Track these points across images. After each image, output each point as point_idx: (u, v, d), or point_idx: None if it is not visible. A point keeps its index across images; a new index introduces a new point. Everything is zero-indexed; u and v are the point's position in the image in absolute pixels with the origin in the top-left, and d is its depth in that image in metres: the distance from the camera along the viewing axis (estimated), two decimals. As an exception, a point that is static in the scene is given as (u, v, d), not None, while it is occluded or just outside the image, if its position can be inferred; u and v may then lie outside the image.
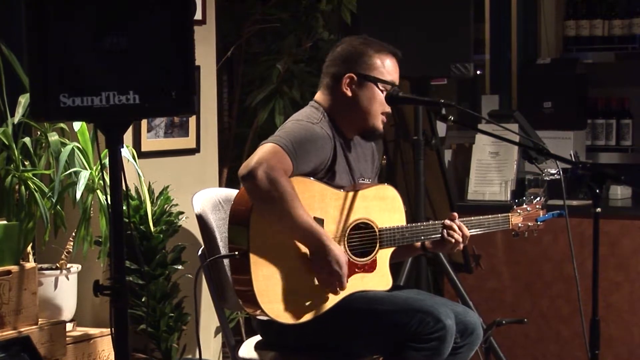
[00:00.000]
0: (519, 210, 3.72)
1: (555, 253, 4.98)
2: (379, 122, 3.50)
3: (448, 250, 3.59)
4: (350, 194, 3.42)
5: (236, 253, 3.28)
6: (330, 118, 3.47)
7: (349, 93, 3.48)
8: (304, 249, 3.32)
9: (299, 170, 3.30)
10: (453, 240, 3.53)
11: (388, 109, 3.51)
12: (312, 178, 3.36)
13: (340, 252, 3.30)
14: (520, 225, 3.72)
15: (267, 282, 3.26)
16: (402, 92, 3.69)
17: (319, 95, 3.54)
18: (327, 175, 3.41)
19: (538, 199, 3.78)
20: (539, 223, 3.76)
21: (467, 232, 3.56)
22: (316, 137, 3.36)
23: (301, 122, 3.40)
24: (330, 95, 3.51)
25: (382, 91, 3.48)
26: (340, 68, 3.50)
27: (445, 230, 3.53)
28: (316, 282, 3.33)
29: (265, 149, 3.25)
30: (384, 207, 3.49)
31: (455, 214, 3.58)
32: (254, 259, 3.24)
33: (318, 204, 3.33)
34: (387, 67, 3.51)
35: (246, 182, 3.23)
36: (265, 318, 3.33)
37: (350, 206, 3.40)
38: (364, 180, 3.55)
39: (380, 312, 3.33)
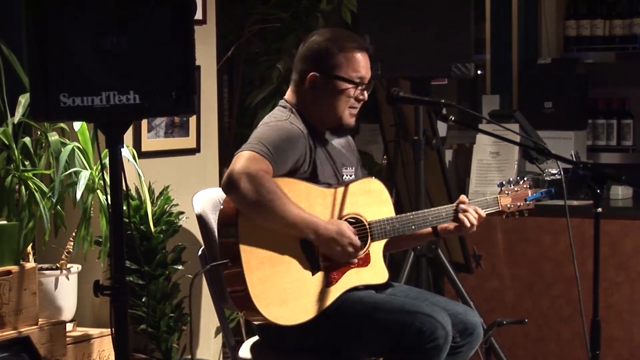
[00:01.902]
0: (506, 191, 3.73)
1: (556, 253, 4.98)
2: (345, 117, 3.49)
3: (462, 232, 3.62)
4: (336, 190, 3.43)
5: (227, 261, 3.27)
6: (299, 113, 3.48)
7: (313, 91, 3.47)
8: (296, 247, 3.32)
9: (279, 170, 3.30)
10: (468, 224, 3.56)
11: (356, 104, 3.49)
12: (296, 178, 3.36)
13: (336, 224, 3.32)
14: (509, 206, 3.73)
15: (262, 285, 3.25)
16: (402, 92, 3.69)
17: (288, 93, 3.56)
18: (309, 168, 3.41)
19: (525, 178, 3.80)
20: (528, 202, 3.77)
21: (483, 213, 3.60)
22: (288, 133, 3.37)
23: (270, 123, 3.41)
24: (297, 92, 3.52)
25: (347, 88, 3.46)
26: (305, 66, 3.50)
27: (461, 214, 3.56)
28: (312, 280, 3.32)
29: (241, 157, 3.25)
30: (371, 200, 3.50)
31: (464, 197, 3.60)
32: (247, 265, 3.23)
33: (305, 203, 3.33)
34: (352, 64, 3.47)
35: (231, 194, 3.23)
36: (264, 322, 3.32)
37: (337, 202, 3.41)
38: (347, 169, 3.56)
39: (377, 317, 3.32)
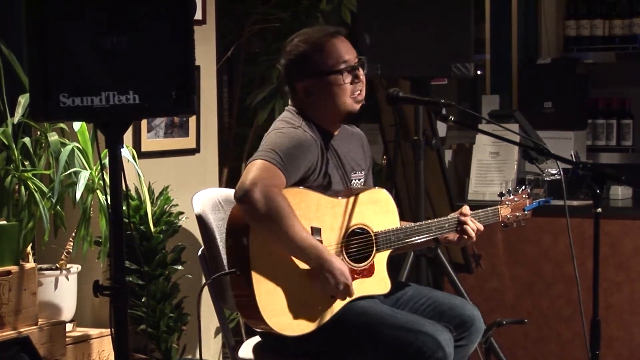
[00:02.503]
0: (506, 202, 3.74)
1: (556, 253, 4.98)
2: (351, 105, 3.46)
3: (461, 244, 3.62)
4: (345, 200, 3.41)
5: (235, 270, 3.27)
6: (308, 119, 3.46)
7: (310, 98, 3.45)
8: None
9: (292, 178, 3.29)
10: (466, 237, 3.56)
11: (356, 88, 3.46)
12: (306, 188, 3.34)
13: (340, 262, 3.30)
14: (509, 216, 3.74)
15: (270, 296, 3.24)
16: (402, 92, 3.68)
17: (291, 100, 3.54)
18: (321, 175, 3.40)
19: (523, 188, 3.81)
20: (526, 212, 3.78)
21: (481, 226, 3.59)
22: (301, 141, 3.35)
23: (282, 130, 3.38)
24: (296, 101, 3.50)
25: (339, 78, 3.43)
26: (291, 78, 3.48)
27: (460, 226, 3.56)
28: (316, 291, 3.32)
29: (256, 167, 3.22)
30: (377, 210, 3.49)
31: (467, 208, 3.60)
32: (255, 275, 3.22)
33: (314, 214, 3.32)
34: (332, 54, 3.43)
35: (244, 204, 3.20)
36: (268, 331, 3.31)
37: (346, 213, 3.40)
38: (355, 173, 3.55)
39: (379, 332, 3.31)
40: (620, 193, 5.18)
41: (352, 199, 3.43)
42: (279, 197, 3.19)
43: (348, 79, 3.44)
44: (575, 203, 4.92)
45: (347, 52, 3.45)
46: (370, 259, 3.43)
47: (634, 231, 4.86)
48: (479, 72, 6.41)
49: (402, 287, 3.61)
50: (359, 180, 3.56)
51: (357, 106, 3.48)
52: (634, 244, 4.85)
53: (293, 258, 3.28)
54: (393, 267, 3.60)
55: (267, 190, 3.17)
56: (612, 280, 4.86)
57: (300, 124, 3.41)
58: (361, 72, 3.48)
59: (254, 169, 3.22)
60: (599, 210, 3.19)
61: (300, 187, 3.33)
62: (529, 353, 5.08)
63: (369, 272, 3.44)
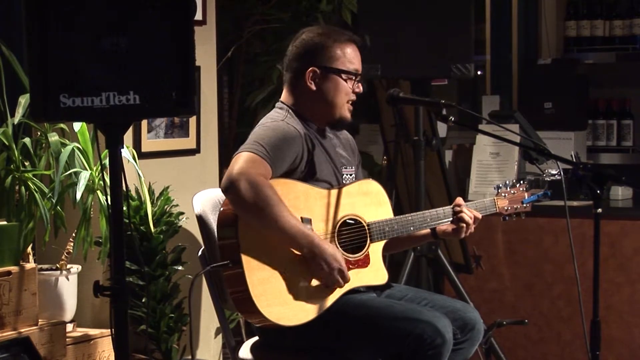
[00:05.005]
0: (503, 194, 3.75)
1: (556, 254, 4.98)
2: (345, 111, 3.51)
3: (459, 235, 3.62)
4: (334, 191, 3.44)
5: (228, 262, 3.27)
6: (297, 113, 3.49)
7: (313, 87, 3.48)
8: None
9: (277, 170, 3.31)
10: (463, 225, 3.57)
11: (353, 97, 3.51)
12: (295, 179, 3.37)
13: (333, 248, 3.33)
14: (507, 208, 3.75)
15: (263, 286, 3.25)
16: (402, 93, 3.69)
17: (283, 94, 3.56)
18: (306, 168, 3.42)
19: (521, 181, 3.82)
20: (524, 205, 3.78)
21: (478, 214, 3.61)
22: (285, 132, 3.38)
23: (266, 124, 3.42)
24: (294, 91, 3.52)
25: (345, 80, 3.48)
26: (302, 63, 3.50)
27: (457, 216, 3.57)
28: (313, 281, 3.33)
29: (241, 158, 3.26)
30: (369, 201, 3.51)
31: (460, 199, 3.60)
32: (247, 266, 3.23)
33: (304, 204, 3.34)
34: (349, 56, 3.50)
35: (230, 195, 3.23)
36: (265, 323, 3.32)
37: (336, 204, 3.42)
38: (346, 168, 3.57)
39: (379, 324, 3.32)
40: (620, 193, 5.18)
41: (341, 190, 3.45)
42: (266, 185, 3.22)
43: (352, 85, 3.50)
44: (575, 203, 4.93)
45: (358, 62, 3.53)
46: (364, 249, 3.43)
47: (634, 232, 4.86)
48: (479, 73, 6.42)
49: (401, 290, 3.61)
50: (351, 175, 3.58)
51: (348, 115, 3.53)
52: (634, 244, 4.86)
53: (285, 247, 3.29)
54: (393, 267, 3.61)
55: (254, 180, 3.20)
56: (612, 280, 4.86)
57: (284, 118, 3.45)
58: (361, 86, 3.54)
59: (239, 161, 3.25)
60: (599, 210, 3.19)
61: (288, 179, 3.35)
62: (529, 354, 5.08)
63: (364, 262, 3.45)
